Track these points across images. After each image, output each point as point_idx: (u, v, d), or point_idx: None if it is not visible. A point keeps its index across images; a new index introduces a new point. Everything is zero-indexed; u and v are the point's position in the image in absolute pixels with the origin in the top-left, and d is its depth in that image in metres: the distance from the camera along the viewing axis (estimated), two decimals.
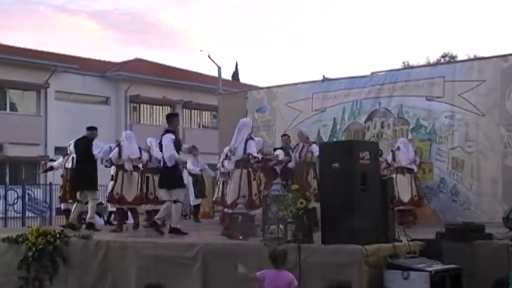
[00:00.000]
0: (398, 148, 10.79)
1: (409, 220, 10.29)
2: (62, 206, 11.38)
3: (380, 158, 10.16)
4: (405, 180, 10.59)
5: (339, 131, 12.73)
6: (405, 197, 10.50)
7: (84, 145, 10.24)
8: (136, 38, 57.58)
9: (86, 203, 10.13)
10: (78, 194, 10.17)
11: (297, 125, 12.86)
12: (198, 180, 12.39)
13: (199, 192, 12.47)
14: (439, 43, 65.64)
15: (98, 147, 10.15)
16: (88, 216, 10.12)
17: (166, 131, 8.98)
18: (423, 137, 11.71)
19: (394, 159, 10.75)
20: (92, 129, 10.45)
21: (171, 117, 9.48)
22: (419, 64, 28.58)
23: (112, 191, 9.99)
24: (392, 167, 10.71)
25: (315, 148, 9.76)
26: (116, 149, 10.05)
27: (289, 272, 5.90)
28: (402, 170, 10.63)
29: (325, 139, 12.49)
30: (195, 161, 12.28)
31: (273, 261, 5.82)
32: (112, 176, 10.30)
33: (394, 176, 10.44)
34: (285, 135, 11.05)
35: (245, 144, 8.64)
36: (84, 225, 10.05)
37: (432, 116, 11.61)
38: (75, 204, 10.20)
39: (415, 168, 10.83)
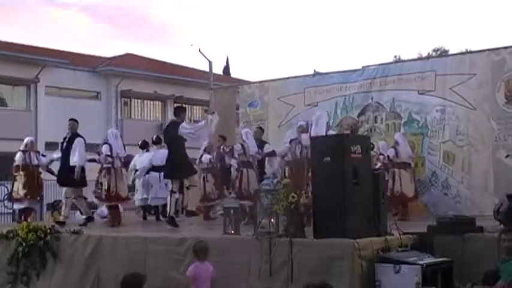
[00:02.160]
0: (397, 143, 10.81)
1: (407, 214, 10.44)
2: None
3: (375, 153, 10.29)
4: (408, 175, 10.65)
5: (332, 126, 12.69)
6: (409, 192, 10.60)
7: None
8: (127, 32, 57.42)
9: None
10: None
11: (291, 120, 12.80)
12: None
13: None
14: (431, 37, 65.91)
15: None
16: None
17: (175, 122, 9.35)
18: (415, 131, 11.69)
19: (396, 154, 10.71)
20: (72, 120, 10.63)
21: (179, 110, 9.82)
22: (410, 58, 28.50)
23: (108, 189, 9.91)
24: (393, 162, 10.66)
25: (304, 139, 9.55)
26: (107, 146, 10.02)
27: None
28: (404, 165, 10.67)
29: None
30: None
31: (196, 254, 6.10)
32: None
33: (396, 171, 10.53)
34: (258, 127, 11.46)
35: None
36: None
37: (424, 109, 11.59)
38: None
39: (412, 162, 10.88)
